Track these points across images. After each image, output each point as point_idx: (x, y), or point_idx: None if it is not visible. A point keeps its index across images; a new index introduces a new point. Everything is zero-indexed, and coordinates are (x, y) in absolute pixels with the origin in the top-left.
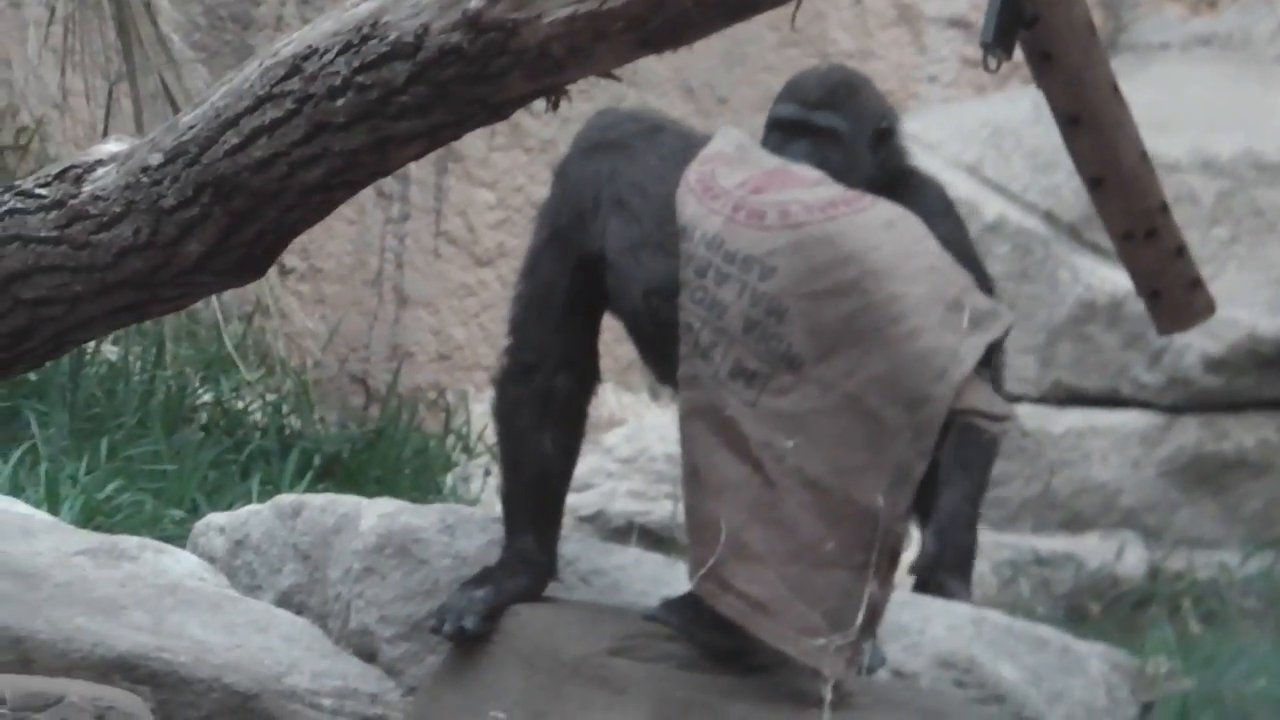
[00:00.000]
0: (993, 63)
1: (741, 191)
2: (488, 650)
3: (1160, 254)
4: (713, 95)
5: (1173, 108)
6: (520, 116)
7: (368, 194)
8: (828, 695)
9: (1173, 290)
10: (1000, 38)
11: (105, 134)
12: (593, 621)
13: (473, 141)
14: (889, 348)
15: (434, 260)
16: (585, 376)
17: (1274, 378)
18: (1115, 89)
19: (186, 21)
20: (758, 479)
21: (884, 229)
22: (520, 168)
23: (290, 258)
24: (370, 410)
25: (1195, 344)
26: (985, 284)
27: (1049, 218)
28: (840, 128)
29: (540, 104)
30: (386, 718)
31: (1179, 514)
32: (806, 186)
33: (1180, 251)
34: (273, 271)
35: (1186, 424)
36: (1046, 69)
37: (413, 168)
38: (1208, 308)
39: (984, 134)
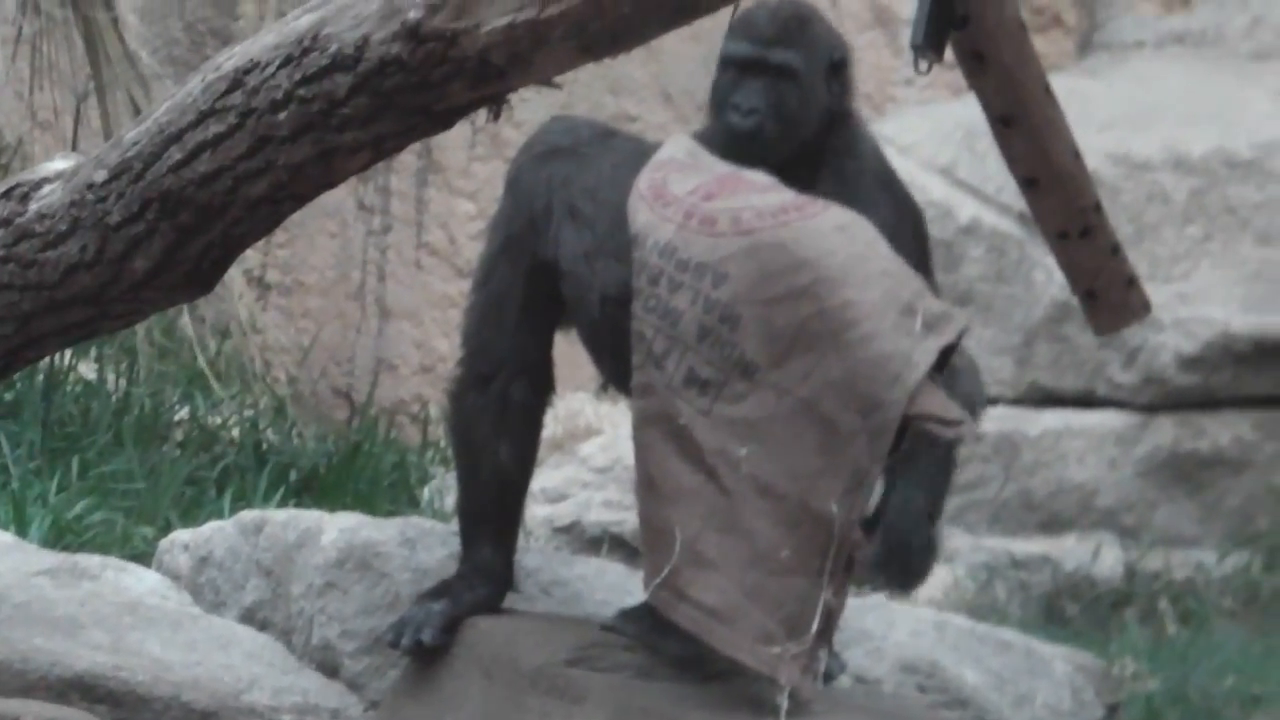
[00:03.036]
0: (923, 65)
1: (693, 198)
2: (447, 662)
3: (1095, 253)
4: (691, 101)
5: (1147, 105)
6: (500, 126)
7: (349, 207)
8: (783, 703)
9: (1109, 289)
10: (931, 39)
11: (75, 151)
12: (551, 632)
13: (453, 152)
14: (843, 353)
15: (416, 272)
16: (541, 385)
17: (1249, 375)
18: (1047, 89)
19: (165, 36)
20: (712, 487)
21: (836, 233)
22: (501, 178)
23: (272, 272)
24: (354, 423)
25: (1170, 343)
26: (924, 263)
27: (1023, 219)
28: (796, 64)
29: (543, 108)
30: None
31: (1156, 513)
32: (758, 192)
33: (1115, 250)
34: (246, 287)
35: (1162, 423)
36: (978, 70)
37: (393, 179)
38: (1144, 307)
39: (958, 136)
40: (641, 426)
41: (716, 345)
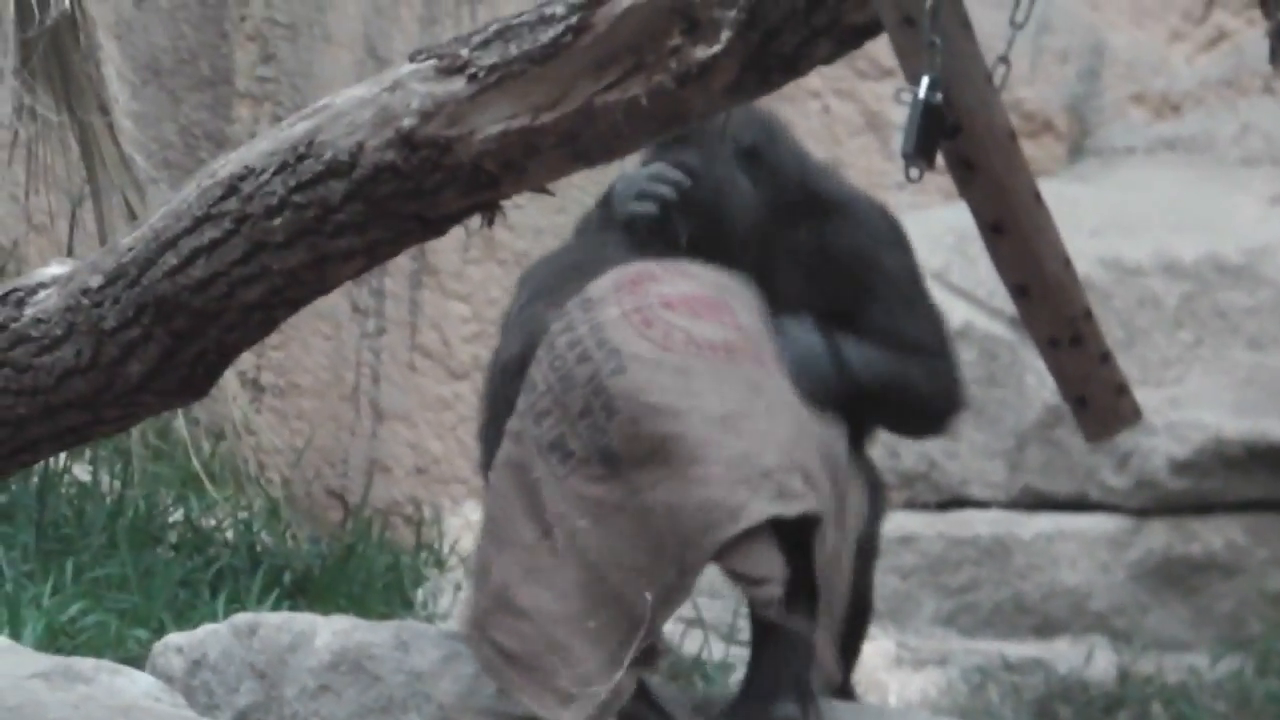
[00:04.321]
0: (914, 173)
1: (653, 300)
2: None
3: (1086, 360)
4: None
5: (1137, 211)
6: (494, 229)
7: (343, 309)
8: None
9: (1099, 396)
10: (921, 148)
11: (70, 255)
12: None
13: (447, 255)
14: (682, 483)
15: (410, 374)
16: None
17: (1240, 480)
18: (1037, 196)
19: (160, 140)
20: (545, 545)
21: (744, 387)
22: (494, 280)
23: (266, 374)
24: (348, 525)
25: (1162, 447)
26: (931, 313)
27: (1015, 323)
28: (691, 163)
29: (536, 212)
30: None
31: (1149, 617)
32: (720, 323)
33: (1105, 358)
34: (239, 390)
35: (1155, 527)
36: (968, 178)
37: (387, 282)
38: (1134, 414)
39: (949, 240)
40: (500, 467)
41: (591, 427)
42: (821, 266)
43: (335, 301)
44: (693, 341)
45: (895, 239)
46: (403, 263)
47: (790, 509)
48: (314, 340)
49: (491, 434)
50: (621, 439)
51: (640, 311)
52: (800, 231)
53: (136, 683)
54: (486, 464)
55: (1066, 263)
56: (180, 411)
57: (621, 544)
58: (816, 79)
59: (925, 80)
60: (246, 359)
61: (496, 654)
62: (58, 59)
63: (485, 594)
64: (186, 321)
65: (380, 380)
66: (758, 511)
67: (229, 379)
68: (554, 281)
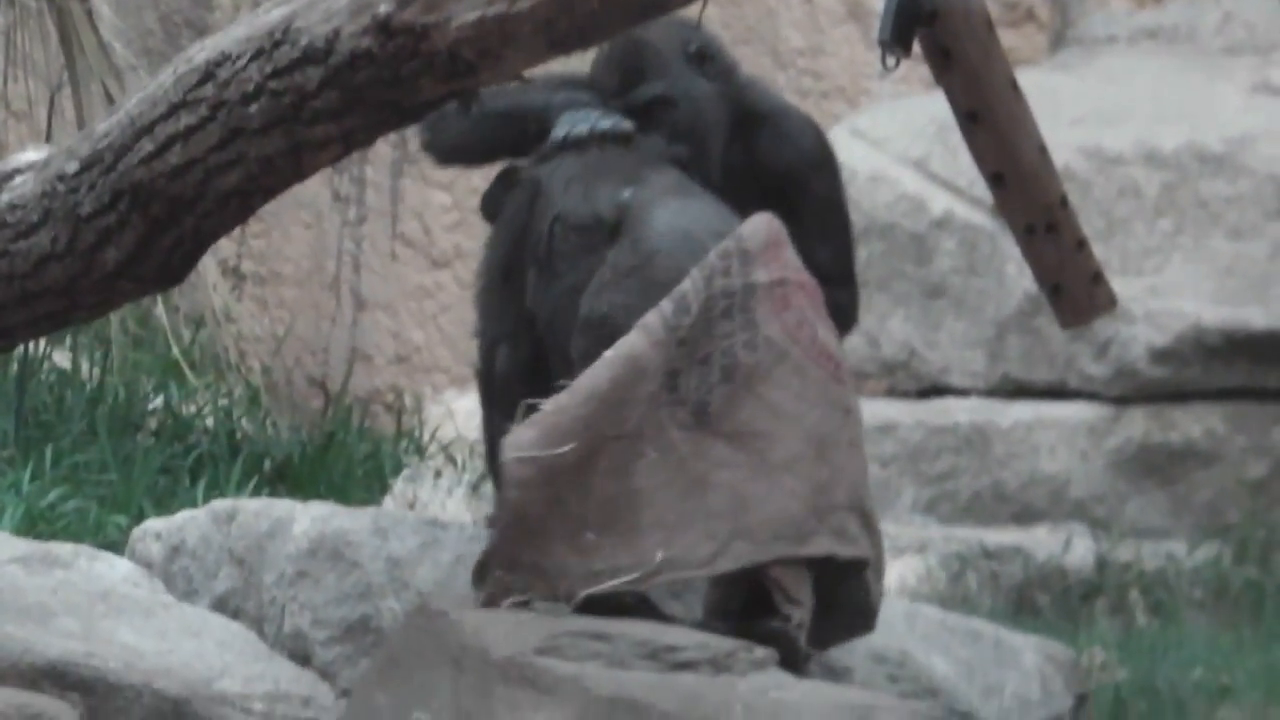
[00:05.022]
0: (890, 61)
1: (790, 275)
2: (418, 651)
3: (1061, 249)
4: None
5: (1118, 101)
6: None
7: (324, 198)
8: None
9: (1074, 285)
10: (898, 35)
11: (49, 142)
12: (520, 622)
13: None
14: (763, 483)
15: (391, 263)
16: None
17: (1220, 368)
18: (1014, 85)
19: (140, 28)
20: (620, 444)
21: (840, 412)
22: (475, 169)
23: (247, 263)
24: (328, 413)
25: (1141, 335)
26: (845, 241)
27: (995, 212)
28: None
29: None
30: None
31: (1127, 505)
32: (830, 329)
33: (1081, 245)
34: (220, 278)
35: (1134, 415)
36: (945, 66)
37: (369, 170)
38: (1109, 302)
39: (931, 130)
40: (621, 354)
41: (703, 378)
42: (750, 182)
43: (316, 190)
44: (815, 343)
45: (824, 159)
46: (384, 151)
47: (845, 551)
48: (295, 229)
49: (491, 301)
50: (722, 407)
51: (781, 287)
52: (734, 144)
53: (115, 568)
54: (486, 332)
55: (1043, 150)
56: (160, 299)
57: (668, 495)
58: None
59: None
60: (227, 247)
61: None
62: None
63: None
64: (163, 208)
65: (361, 269)
66: (822, 546)
67: (209, 267)
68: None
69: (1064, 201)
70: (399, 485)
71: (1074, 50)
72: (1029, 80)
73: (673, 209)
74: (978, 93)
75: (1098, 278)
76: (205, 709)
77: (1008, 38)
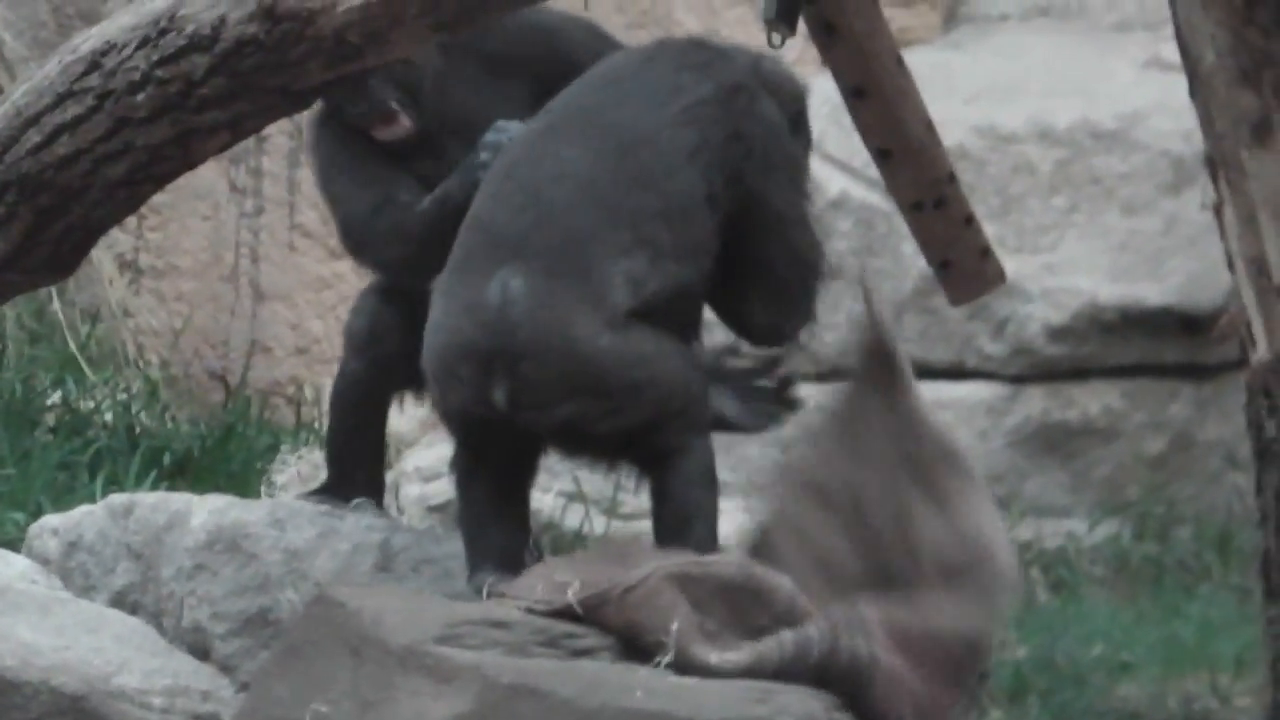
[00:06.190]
0: (776, 39)
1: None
2: (315, 641)
3: (950, 223)
4: None
5: (1011, 78)
6: None
7: (221, 189)
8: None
9: (964, 259)
10: (783, 13)
11: None
12: (421, 610)
13: None
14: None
15: (289, 254)
16: None
17: (1117, 345)
18: (899, 60)
19: (32, 19)
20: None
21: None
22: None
23: (144, 256)
24: (228, 406)
25: (1038, 313)
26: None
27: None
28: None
29: None
30: (218, 715)
31: (1027, 483)
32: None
33: (969, 220)
34: (117, 271)
35: (1032, 393)
36: (830, 42)
37: (265, 161)
38: (999, 276)
39: (825, 110)
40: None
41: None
42: None
43: (213, 181)
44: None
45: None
46: (280, 141)
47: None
48: (191, 220)
49: None
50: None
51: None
52: None
53: (11, 565)
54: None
55: (929, 126)
56: (56, 293)
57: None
58: None
59: None
60: (123, 240)
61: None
62: None
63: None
64: (51, 199)
65: (259, 260)
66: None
67: (104, 260)
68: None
69: (951, 177)
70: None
71: (966, 28)
72: (922, 58)
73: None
74: (863, 68)
75: (986, 252)
76: (104, 705)
77: (901, 17)
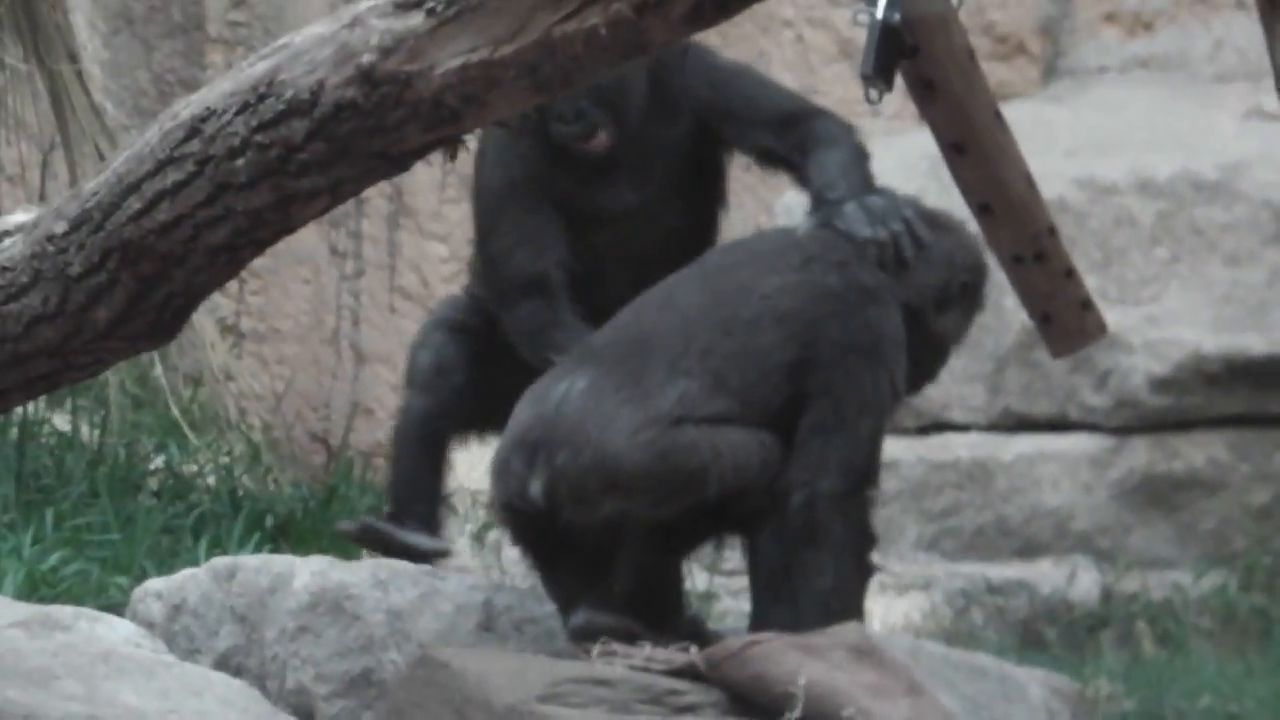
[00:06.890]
0: (874, 94)
1: None
2: (420, 703)
3: (1050, 277)
4: None
5: (1112, 130)
6: (469, 167)
7: (321, 252)
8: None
9: (1064, 312)
10: (880, 69)
11: (43, 204)
12: (524, 670)
13: (424, 195)
14: None
15: (390, 315)
16: None
17: (1220, 396)
18: (998, 114)
19: (133, 88)
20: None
21: None
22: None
23: (246, 320)
24: (330, 468)
25: (1141, 365)
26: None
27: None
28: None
29: None
30: None
31: (1132, 536)
32: None
33: (1069, 274)
34: (219, 335)
35: (1136, 445)
36: (929, 98)
37: (365, 224)
38: (1100, 328)
39: (924, 166)
40: None
41: None
42: None
43: (313, 245)
44: None
45: None
46: (380, 204)
47: None
48: (293, 284)
49: None
50: None
51: None
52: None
53: (116, 629)
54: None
55: (1029, 180)
56: (159, 358)
57: None
58: (789, 7)
59: (882, 0)
60: (225, 304)
61: None
62: (25, 9)
63: None
64: (152, 265)
65: (360, 322)
66: None
67: (206, 325)
68: None
69: (1051, 230)
70: None
71: (1066, 81)
72: (1021, 112)
73: None
74: (962, 124)
75: (1087, 304)
76: None
77: (999, 71)
